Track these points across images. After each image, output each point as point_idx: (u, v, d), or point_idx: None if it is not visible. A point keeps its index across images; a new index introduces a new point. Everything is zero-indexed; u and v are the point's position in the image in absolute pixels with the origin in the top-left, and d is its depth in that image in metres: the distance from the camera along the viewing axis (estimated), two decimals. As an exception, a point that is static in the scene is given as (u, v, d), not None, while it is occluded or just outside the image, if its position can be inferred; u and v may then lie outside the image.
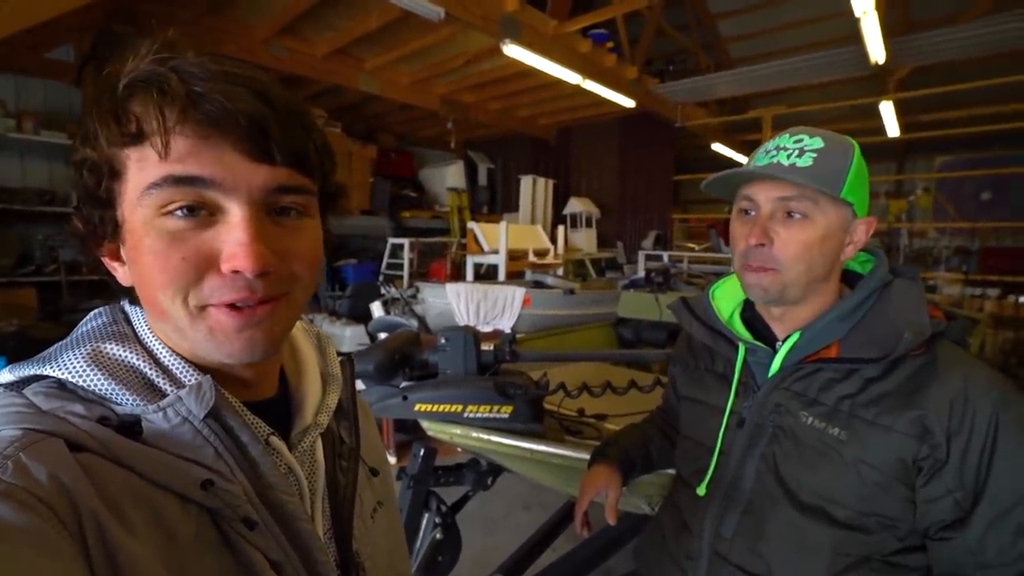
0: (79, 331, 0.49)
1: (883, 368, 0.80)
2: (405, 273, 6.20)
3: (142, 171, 0.42)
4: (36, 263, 4.63)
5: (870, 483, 0.78)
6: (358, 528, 0.58)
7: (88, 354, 0.45)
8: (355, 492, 0.58)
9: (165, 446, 0.43)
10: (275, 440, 0.51)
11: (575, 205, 7.74)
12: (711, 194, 0.94)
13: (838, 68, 5.66)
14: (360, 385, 1.49)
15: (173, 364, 0.47)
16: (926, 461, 0.75)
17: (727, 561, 0.88)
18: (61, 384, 0.44)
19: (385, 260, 6.70)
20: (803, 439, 0.83)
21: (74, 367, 0.44)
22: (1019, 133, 5.80)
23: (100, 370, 0.44)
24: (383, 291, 4.69)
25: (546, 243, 6.20)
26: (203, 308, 0.44)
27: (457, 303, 4.25)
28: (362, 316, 4.53)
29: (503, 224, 5.42)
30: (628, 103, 6.25)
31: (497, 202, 9.38)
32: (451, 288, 4.32)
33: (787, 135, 0.85)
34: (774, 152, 0.83)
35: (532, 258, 5.73)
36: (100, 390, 0.44)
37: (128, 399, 0.44)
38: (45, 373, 0.44)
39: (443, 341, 1.50)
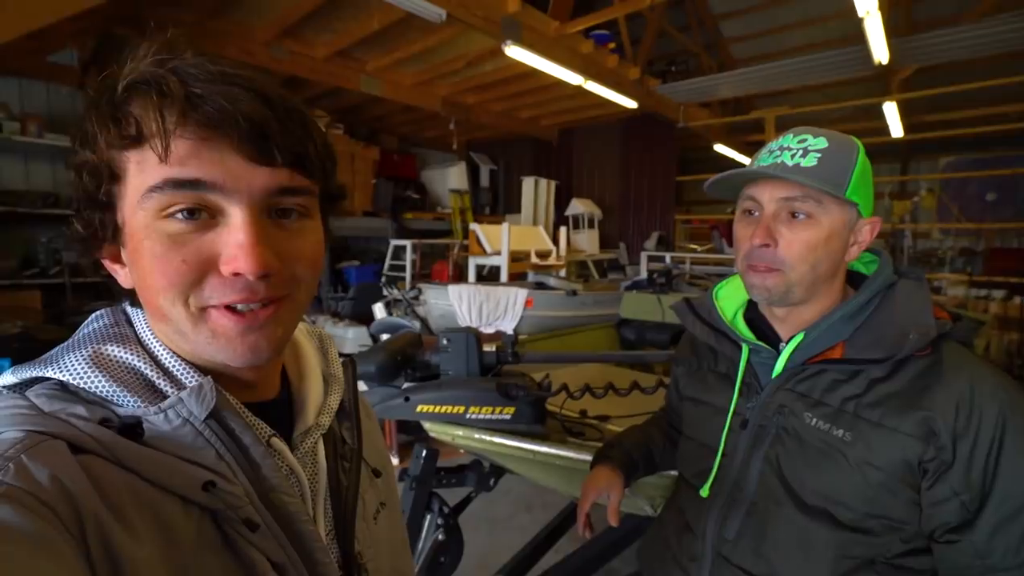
0: (81, 333, 0.49)
1: (888, 369, 0.79)
2: (407, 274, 6.21)
3: (142, 173, 0.42)
4: (40, 265, 4.64)
5: (875, 485, 0.77)
6: (360, 529, 0.58)
7: (90, 356, 0.45)
8: (357, 493, 0.58)
9: (166, 448, 0.43)
10: (277, 441, 0.50)
11: (577, 206, 7.74)
12: (714, 195, 0.94)
13: (841, 68, 5.65)
14: (362, 386, 1.49)
15: (174, 366, 0.47)
16: (932, 463, 0.75)
17: (730, 563, 0.87)
18: (63, 386, 0.44)
19: (387, 261, 6.71)
20: (807, 440, 0.83)
21: (76, 369, 0.44)
22: (1024, 133, 5.78)
23: (101, 372, 0.44)
24: (385, 292, 4.70)
25: (548, 244, 6.19)
26: (203, 310, 0.44)
27: (459, 304, 4.25)
28: (364, 317, 4.54)
29: (505, 225, 5.42)
30: (630, 104, 6.24)
31: (499, 203, 9.39)
32: (453, 289, 4.32)
33: (791, 135, 0.85)
34: (778, 152, 0.83)
35: (534, 259, 5.73)
36: (102, 392, 0.44)
37: (129, 401, 0.44)
38: (47, 375, 0.45)
39: (445, 342, 1.50)
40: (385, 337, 1.71)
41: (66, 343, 0.47)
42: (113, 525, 0.37)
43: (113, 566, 0.36)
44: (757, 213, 0.84)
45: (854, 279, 0.92)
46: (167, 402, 0.44)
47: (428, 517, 1.75)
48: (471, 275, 5.78)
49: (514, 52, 4.52)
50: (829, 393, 0.83)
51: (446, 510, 1.78)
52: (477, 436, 1.43)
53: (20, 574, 0.32)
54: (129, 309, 0.51)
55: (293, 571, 0.46)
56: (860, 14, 4.00)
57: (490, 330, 4.15)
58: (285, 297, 0.47)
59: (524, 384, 1.42)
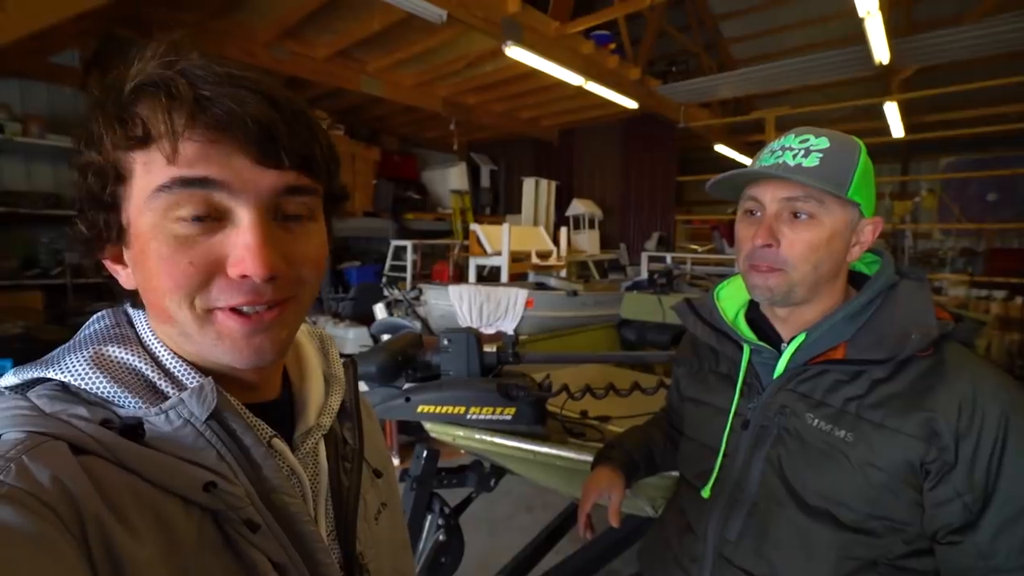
0: (82, 334, 0.49)
1: (890, 370, 0.79)
2: (408, 275, 6.21)
3: (148, 174, 0.42)
4: (41, 266, 4.64)
5: (877, 486, 0.77)
6: (362, 530, 0.58)
7: (91, 357, 0.45)
8: (358, 493, 0.58)
9: (167, 448, 0.43)
10: (278, 442, 0.51)
11: (578, 207, 7.74)
12: (716, 195, 0.94)
13: (842, 68, 5.65)
14: (363, 386, 1.49)
15: (175, 367, 0.47)
16: (934, 464, 0.75)
17: (731, 564, 0.87)
18: (64, 387, 0.44)
19: (388, 262, 6.71)
20: (809, 441, 0.82)
21: (77, 370, 0.44)
22: (1024, 133, 5.78)
23: (102, 373, 0.44)
24: (386, 293, 4.70)
25: (549, 245, 6.20)
26: (209, 312, 0.44)
27: (460, 305, 4.25)
28: (365, 318, 4.54)
29: (506, 226, 5.43)
30: (631, 104, 6.24)
31: (500, 204, 9.39)
32: (454, 290, 4.33)
33: (792, 135, 0.85)
34: (780, 152, 0.83)
35: (535, 260, 5.73)
36: (103, 393, 0.44)
37: (130, 402, 0.44)
38: (49, 376, 0.45)
39: (446, 343, 1.50)
40: (386, 338, 1.71)
41: (67, 344, 0.47)
42: (114, 526, 0.37)
43: (114, 567, 0.36)
44: (759, 213, 0.84)
45: (856, 279, 0.91)
46: (168, 403, 0.44)
47: (429, 517, 1.75)
48: (471, 275, 5.78)
49: (514, 53, 4.53)
50: (831, 394, 0.83)
51: (447, 510, 1.78)
52: (478, 437, 1.43)
53: (22, 575, 0.32)
54: (130, 310, 0.51)
55: (294, 571, 0.46)
56: (860, 14, 4.00)
57: (490, 330, 4.15)
58: (290, 299, 0.47)
59: (525, 385, 1.41)
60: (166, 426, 0.43)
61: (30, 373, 0.45)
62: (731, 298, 1.00)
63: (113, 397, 0.44)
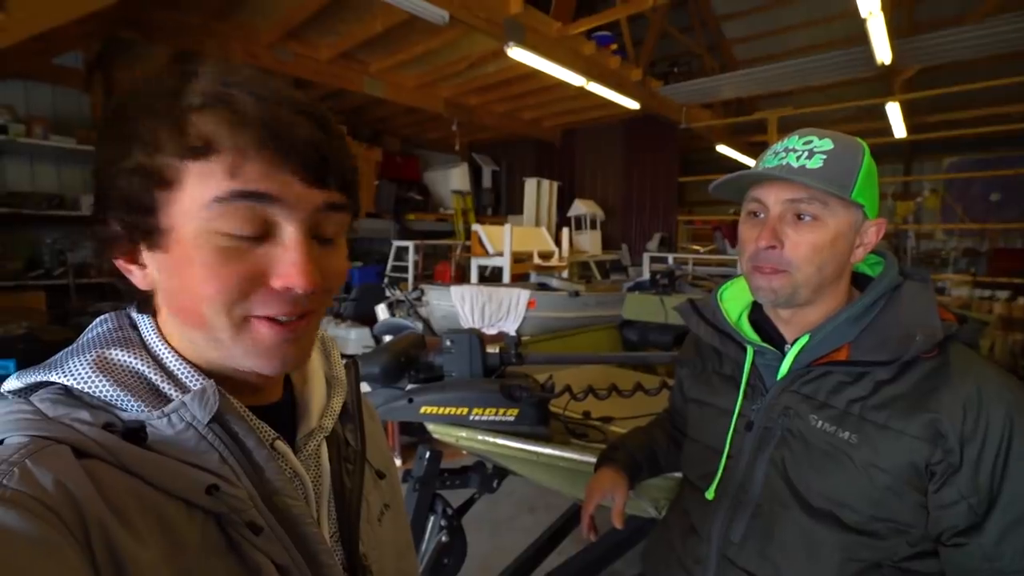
0: (85, 337, 0.49)
1: (894, 371, 0.79)
2: (410, 275, 6.22)
3: (204, 185, 0.42)
4: (45, 267, 4.66)
5: (881, 487, 0.77)
6: (365, 531, 0.58)
7: (93, 360, 0.45)
8: (361, 495, 0.58)
9: (170, 452, 0.43)
10: (280, 444, 0.51)
11: (579, 207, 7.74)
12: (719, 196, 0.94)
13: (844, 69, 5.64)
14: (366, 387, 1.49)
15: (179, 369, 0.47)
16: (939, 466, 0.74)
17: (735, 565, 0.87)
18: (67, 390, 0.44)
19: (390, 262, 6.72)
20: (813, 442, 0.82)
21: (80, 373, 0.44)
22: (1028, 134, 5.76)
23: (105, 376, 0.44)
24: (388, 293, 4.70)
25: (550, 245, 6.20)
26: (246, 319, 0.45)
27: (462, 305, 4.26)
28: (367, 318, 4.55)
29: (507, 226, 5.43)
30: (632, 105, 6.25)
31: (501, 204, 9.39)
32: (456, 290, 4.33)
33: (796, 136, 0.84)
34: (783, 154, 0.82)
35: (536, 260, 5.73)
36: (105, 396, 0.44)
37: (133, 405, 0.44)
38: (51, 380, 0.45)
39: (448, 344, 1.50)
40: (388, 338, 1.71)
41: (70, 348, 0.47)
42: (117, 529, 0.37)
43: (118, 570, 0.36)
44: (762, 215, 0.84)
45: (859, 281, 0.91)
46: (170, 406, 0.44)
47: (432, 518, 1.75)
48: (473, 276, 5.79)
49: (516, 54, 4.53)
50: (834, 395, 0.82)
51: (450, 511, 1.78)
52: (481, 438, 1.43)
53: None
54: (134, 313, 0.51)
55: (297, 573, 0.46)
56: (863, 15, 4.00)
57: (492, 331, 4.15)
58: (317, 310, 0.49)
59: (527, 386, 1.41)
60: (168, 429, 0.43)
61: (33, 377, 0.45)
62: (734, 299, 1.00)
63: (116, 400, 0.44)
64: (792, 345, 0.88)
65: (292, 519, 0.47)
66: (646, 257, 6.42)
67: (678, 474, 1.16)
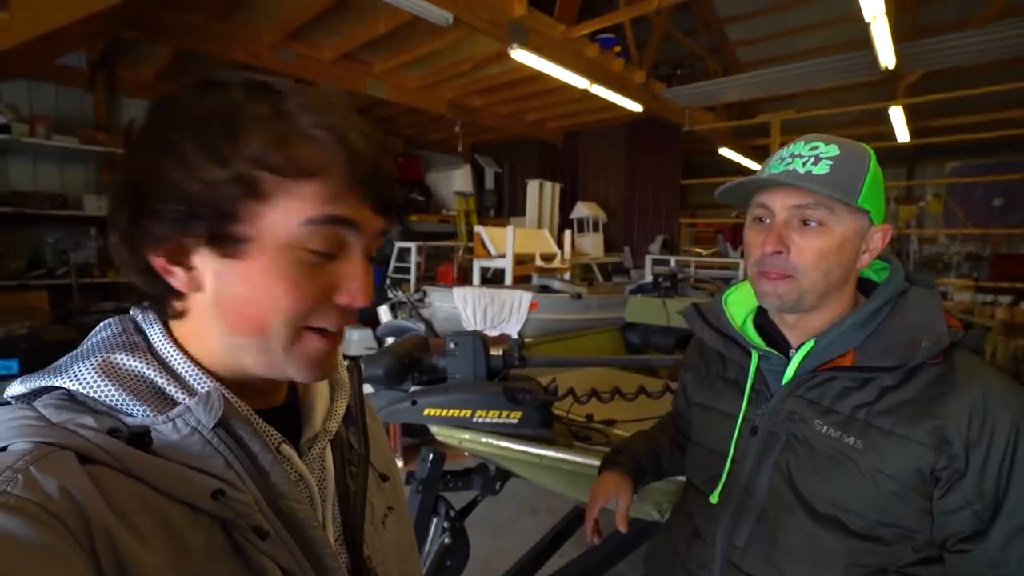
0: (89, 342, 0.49)
1: (900, 377, 0.79)
2: (412, 277, 6.22)
3: (299, 203, 0.44)
4: (47, 266, 4.67)
5: (886, 493, 0.76)
6: (369, 534, 0.58)
7: (99, 365, 0.45)
8: (365, 498, 0.59)
9: (175, 456, 0.43)
10: (286, 448, 0.51)
11: (582, 209, 7.74)
12: (725, 201, 0.93)
13: (848, 72, 5.64)
14: (368, 389, 1.49)
15: (187, 372, 0.47)
16: (944, 472, 0.74)
17: (740, 570, 0.87)
18: (71, 396, 0.44)
19: (392, 264, 6.72)
20: (818, 447, 0.82)
21: (85, 378, 0.44)
22: (1030, 138, 5.76)
23: (111, 381, 0.44)
24: (390, 295, 4.71)
25: (553, 247, 6.20)
26: (301, 330, 0.47)
27: (464, 307, 4.26)
28: (369, 319, 4.54)
29: (510, 228, 5.43)
30: (635, 107, 6.25)
31: (504, 206, 9.40)
32: (458, 292, 4.33)
33: (802, 142, 0.84)
34: (789, 159, 0.82)
35: (539, 262, 5.74)
36: (111, 401, 0.44)
37: (139, 410, 0.44)
38: (57, 384, 0.44)
39: (452, 346, 1.50)
40: (391, 340, 1.72)
41: (75, 352, 0.47)
42: (123, 535, 0.37)
43: None
44: (768, 220, 0.84)
45: (864, 286, 0.91)
46: (175, 411, 0.44)
47: (434, 520, 1.75)
48: (476, 278, 5.79)
49: (520, 55, 4.54)
50: (840, 400, 0.82)
51: (452, 513, 1.78)
52: (484, 440, 1.43)
53: None
54: (140, 316, 0.51)
55: None
56: (867, 18, 3.99)
57: (494, 333, 4.15)
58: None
59: (531, 388, 1.41)
60: (173, 434, 0.43)
61: (37, 382, 0.45)
62: (739, 304, 0.99)
63: (122, 405, 0.44)
64: (797, 350, 0.88)
65: (297, 523, 0.47)
66: (648, 260, 6.43)
67: (681, 478, 1.16)
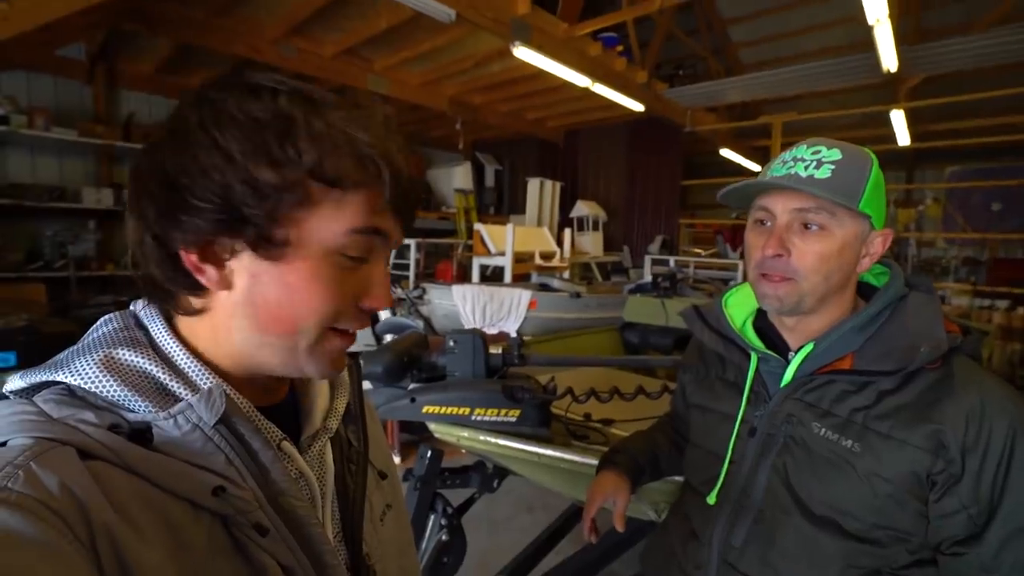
0: (90, 337, 0.48)
1: (898, 381, 0.79)
2: (411, 273, 6.21)
3: (341, 211, 0.46)
4: (45, 259, 4.66)
5: (883, 496, 0.77)
6: (368, 531, 0.58)
7: (101, 360, 0.45)
8: (364, 496, 0.59)
9: (176, 453, 0.43)
10: (287, 445, 0.51)
11: (582, 208, 7.74)
12: (727, 203, 0.93)
13: (850, 75, 5.64)
14: (367, 385, 1.49)
15: (190, 368, 0.47)
16: (940, 476, 0.75)
17: (736, 570, 0.87)
18: (70, 391, 0.44)
19: (391, 260, 6.70)
20: (815, 450, 0.83)
21: (87, 373, 0.44)
22: (1031, 144, 5.76)
23: (113, 376, 0.44)
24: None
25: (552, 246, 6.20)
26: (326, 331, 0.49)
27: (463, 305, 4.26)
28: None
29: (510, 226, 5.43)
30: (637, 107, 6.24)
31: (504, 204, 9.39)
32: (457, 289, 4.33)
33: (804, 146, 0.84)
34: (791, 163, 0.82)
35: (538, 261, 5.74)
36: (113, 397, 0.44)
37: (141, 405, 0.44)
38: (58, 379, 0.44)
39: (452, 344, 1.50)
40: (391, 337, 1.72)
41: (75, 347, 0.47)
42: (123, 532, 0.37)
43: (124, 573, 0.36)
44: (769, 223, 0.84)
45: (864, 290, 0.91)
46: (176, 408, 0.44)
47: (432, 517, 1.75)
48: (475, 275, 5.79)
49: (522, 53, 4.53)
50: (838, 404, 0.83)
51: (450, 511, 1.78)
52: (482, 438, 1.43)
53: None
54: (141, 312, 0.50)
55: (302, 574, 0.46)
56: (870, 21, 3.99)
57: (493, 331, 4.15)
58: None
59: (530, 387, 1.41)
60: (175, 431, 0.43)
61: (37, 376, 0.45)
62: (739, 306, 1.00)
63: (124, 401, 0.44)
64: (796, 353, 0.88)
65: (297, 520, 0.47)
66: (647, 259, 6.43)
67: (678, 478, 1.16)
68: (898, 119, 6.37)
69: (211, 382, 0.47)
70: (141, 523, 0.38)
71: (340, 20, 4.60)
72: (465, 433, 1.44)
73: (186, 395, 0.45)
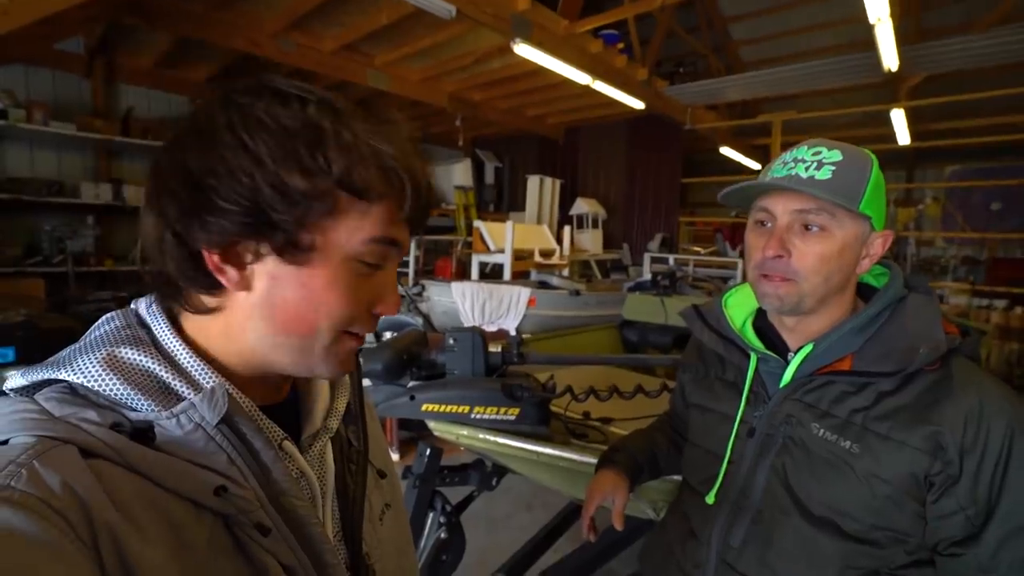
0: (92, 335, 0.48)
1: (897, 383, 0.79)
2: (411, 270, 6.21)
3: (364, 221, 0.48)
4: (44, 253, 4.64)
5: (881, 497, 0.77)
6: (367, 530, 0.59)
7: (103, 358, 0.45)
8: (364, 495, 0.59)
9: (178, 452, 0.43)
10: (288, 445, 0.51)
11: (582, 206, 7.73)
12: (727, 204, 0.93)
13: (850, 74, 5.62)
14: (366, 382, 1.49)
15: (193, 366, 0.47)
16: (938, 477, 0.75)
17: (735, 570, 0.88)
18: (72, 389, 0.44)
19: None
20: (814, 450, 0.83)
21: (90, 372, 0.44)
22: (1030, 144, 5.76)
23: (116, 375, 0.44)
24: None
25: (552, 243, 6.20)
26: (341, 334, 0.50)
27: (462, 302, 4.26)
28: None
29: (509, 223, 5.42)
30: (637, 104, 6.23)
31: (504, 201, 9.38)
32: (456, 287, 4.33)
33: (805, 147, 0.84)
34: (792, 164, 0.82)
35: (538, 258, 5.73)
36: (116, 395, 0.44)
37: (143, 404, 0.44)
38: (60, 377, 0.44)
39: (451, 342, 1.50)
40: (390, 335, 1.71)
41: (77, 345, 0.47)
42: (125, 530, 0.37)
43: (126, 573, 0.36)
44: (770, 224, 0.84)
45: (863, 291, 0.91)
46: (179, 407, 0.44)
47: (431, 515, 1.76)
48: (474, 272, 5.79)
49: (523, 50, 4.51)
50: (837, 404, 0.83)
51: (449, 508, 1.78)
52: (481, 436, 1.44)
53: None
54: (143, 311, 0.50)
55: (303, 573, 0.46)
56: (871, 20, 3.98)
57: (492, 328, 4.15)
58: None
59: (529, 385, 1.41)
60: (177, 430, 0.43)
61: (38, 375, 0.45)
62: (739, 306, 1.00)
63: (126, 399, 0.44)
64: (796, 353, 0.88)
65: (298, 520, 0.48)
66: (647, 257, 6.42)
67: (677, 477, 1.16)
68: (898, 118, 6.36)
69: (214, 381, 0.47)
70: (143, 522, 0.38)
71: (340, 15, 4.58)
72: (464, 431, 1.45)
73: (189, 394, 0.45)
